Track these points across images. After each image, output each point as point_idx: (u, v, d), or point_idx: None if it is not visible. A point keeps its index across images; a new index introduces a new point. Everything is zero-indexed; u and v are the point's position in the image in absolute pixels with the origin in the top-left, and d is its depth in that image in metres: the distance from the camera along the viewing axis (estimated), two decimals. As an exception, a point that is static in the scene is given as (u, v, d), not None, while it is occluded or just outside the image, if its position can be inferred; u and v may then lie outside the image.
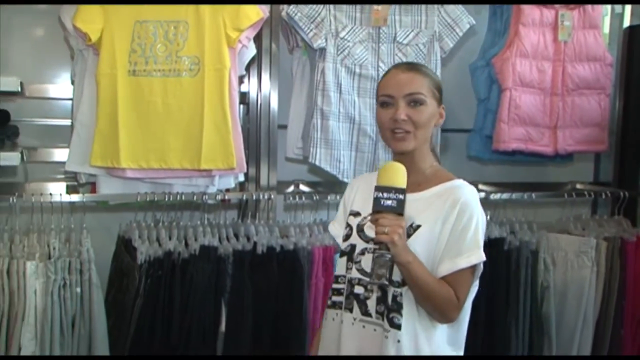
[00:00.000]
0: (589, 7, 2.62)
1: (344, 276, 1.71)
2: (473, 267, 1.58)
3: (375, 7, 2.37)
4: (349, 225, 1.73)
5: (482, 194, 2.55)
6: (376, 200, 1.47)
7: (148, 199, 2.32)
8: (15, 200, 2.21)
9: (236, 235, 2.36)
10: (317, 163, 2.40)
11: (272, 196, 2.48)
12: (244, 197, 2.50)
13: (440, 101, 1.68)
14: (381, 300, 1.62)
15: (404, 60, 2.40)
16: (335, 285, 1.75)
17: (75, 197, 2.33)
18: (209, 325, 2.27)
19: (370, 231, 1.54)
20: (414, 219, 1.60)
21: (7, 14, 2.54)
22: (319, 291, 2.30)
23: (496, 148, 2.60)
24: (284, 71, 2.60)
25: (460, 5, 2.46)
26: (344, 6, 2.37)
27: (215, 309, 2.28)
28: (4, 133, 2.32)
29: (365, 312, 1.65)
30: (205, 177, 2.39)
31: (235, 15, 2.25)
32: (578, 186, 3.00)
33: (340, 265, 1.74)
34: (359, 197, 1.75)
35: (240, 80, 2.49)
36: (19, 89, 2.27)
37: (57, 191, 2.32)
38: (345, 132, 2.42)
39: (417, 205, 1.61)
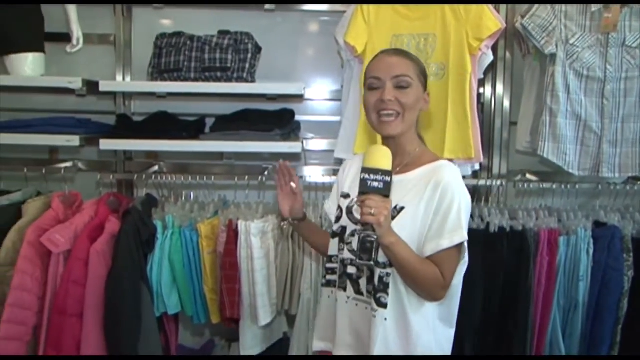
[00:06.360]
0: None
1: (337, 256, 1.69)
2: (458, 246, 1.52)
3: (606, 14, 2.35)
4: (339, 207, 1.70)
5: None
6: (363, 181, 1.41)
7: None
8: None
9: (471, 216, 2.24)
10: (545, 155, 2.44)
11: (504, 183, 2.57)
12: (478, 183, 2.59)
13: (425, 87, 1.61)
14: (370, 280, 1.59)
15: (632, 62, 2.40)
16: (328, 265, 1.72)
17: (340, 179, 2.62)
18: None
19: (357, 213, 1.46)
20: (398, 201, 1.54)
21: (295, 39, 2.89)
22: (543, 268, 2.33)
23: None
24: (515, 75, 2.69)
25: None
26: (575, 15, 2.39)
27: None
28: (290, 127, 2.58)
29: (358, 291, 1.62)
30: (447, 165, 2.58)
31: (477, 27, 2.36)
32: None
33: (333, 246, 1.70)
34: (349, 179, 1.72)
35: (480, 83, 2.58)
36: (303, 92, 2.49)
37: (326, 173, 2.65)
38: (572, 129, 2.45)
39: (401, 187, 1.56)
